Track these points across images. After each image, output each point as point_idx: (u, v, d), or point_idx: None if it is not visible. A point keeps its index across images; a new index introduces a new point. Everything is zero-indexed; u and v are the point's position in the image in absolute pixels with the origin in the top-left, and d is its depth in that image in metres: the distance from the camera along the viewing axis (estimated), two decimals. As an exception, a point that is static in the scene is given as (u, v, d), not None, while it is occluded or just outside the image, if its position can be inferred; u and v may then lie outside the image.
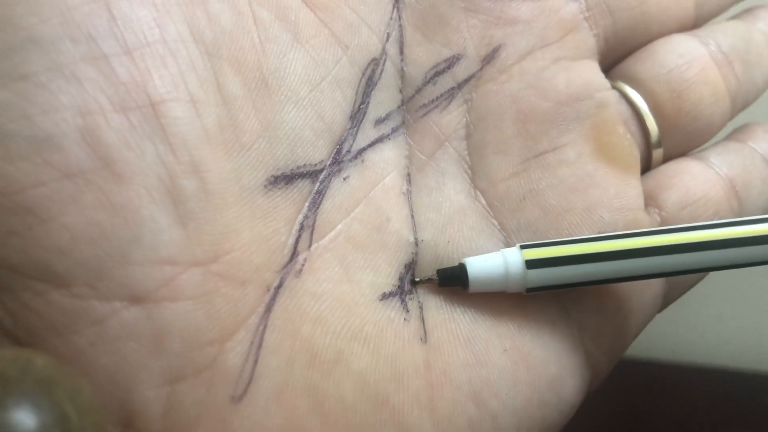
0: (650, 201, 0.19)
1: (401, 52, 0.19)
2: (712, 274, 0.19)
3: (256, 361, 0.16)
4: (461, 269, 0.17)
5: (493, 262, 0.17)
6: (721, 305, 0.35)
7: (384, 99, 0.18)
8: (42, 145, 0.14)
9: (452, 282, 0.17)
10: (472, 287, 0.17)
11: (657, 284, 0.19)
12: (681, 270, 0.17)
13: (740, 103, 0.21)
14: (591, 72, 0.19)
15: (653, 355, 0.35)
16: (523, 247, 0.17)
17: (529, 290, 0.17)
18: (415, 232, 0.18)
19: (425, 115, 0.19)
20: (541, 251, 0.17)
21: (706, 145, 0.21)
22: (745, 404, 0.33)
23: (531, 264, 0.17)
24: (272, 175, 0.17)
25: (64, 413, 0.13)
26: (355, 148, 0.18)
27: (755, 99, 0.21)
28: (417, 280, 0.18)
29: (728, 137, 0.21)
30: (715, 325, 0.35)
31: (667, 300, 0.19)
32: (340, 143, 0.18)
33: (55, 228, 0.14)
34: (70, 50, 0.15)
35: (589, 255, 0.17)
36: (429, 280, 0.18)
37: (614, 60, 0.21)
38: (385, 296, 0.17)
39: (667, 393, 0.33)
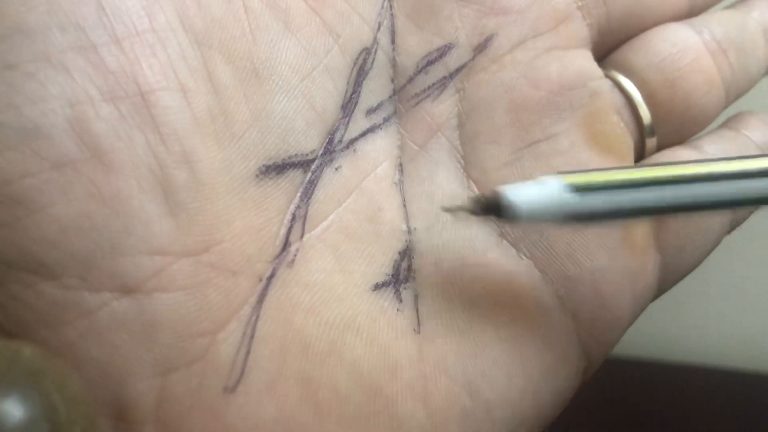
0: None
1: (393, 41, 0.18)
2: (710, 274, 0.18)
3: (248, 352, 0.15)
4: (500, 195, 0.15)
5: (533, 188, 0.15)
6: (721, 305, 0.35)
7: (375, 88, 0.18)
8: (30, 136, 0.14)
9: (491, 211, 0.15)
10: (522, 214, 0.15)
11: (650, 273, 0.19)
12: (730, 200, 0.16)
13: (734, 92, 0.20)
14: (584, 61, 0.19)
15: (653, 355, 0.35)
16: (560, 173, 0.16)
17: (579, 219, 0.15)
18: (407, 221, 0.18)
19: (417, 104, 0.19)
20: (584, 177, 0.15)
21: (700, 133, 0.21)
22: (745, 404, 0.32)
23: (576, 189, 0.15)
24: (263, 165, 0.17)
25: (53, 404, 0.13)
26: (347, 138, 0.18)
27: (750, 88, 0.21)
28: (447, 207, 0.17)
29: (722, 126, 0.21)
30: (715, 325, 0.35)
31: (661, 289, 0.19)
32: (332, 133, 0.18)
33: (44, 219, 0.14)
34: (58, 39, 0.14)
35: (636, 181, 0.15)
36: (459, 209, 0.16)
37: (607, 49, 0.20)
38: (378, 286, 0.17)
39: (667, 393, 0.33)
